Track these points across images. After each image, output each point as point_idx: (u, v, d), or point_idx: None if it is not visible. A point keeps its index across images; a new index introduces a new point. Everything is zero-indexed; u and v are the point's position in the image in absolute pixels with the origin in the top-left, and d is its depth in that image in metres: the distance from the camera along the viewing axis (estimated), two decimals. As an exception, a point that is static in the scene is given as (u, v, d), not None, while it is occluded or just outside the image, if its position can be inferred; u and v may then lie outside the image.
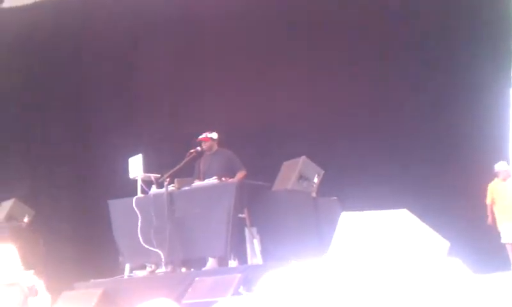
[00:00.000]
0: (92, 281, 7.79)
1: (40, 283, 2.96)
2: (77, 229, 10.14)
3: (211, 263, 7.65)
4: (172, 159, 8.35)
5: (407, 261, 3.89)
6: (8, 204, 9.54)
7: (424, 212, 5.07)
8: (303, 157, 8.36)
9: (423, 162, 9.54)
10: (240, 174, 8.07)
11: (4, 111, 10.67)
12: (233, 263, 7.38)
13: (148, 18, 10.47)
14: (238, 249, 7.43)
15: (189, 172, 8.29)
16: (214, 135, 8.40)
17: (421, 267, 3.91)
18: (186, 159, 8.15)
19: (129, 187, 8.16)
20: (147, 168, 8.11)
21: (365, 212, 4.55)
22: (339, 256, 4.37)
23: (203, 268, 7.59)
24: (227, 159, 8.26)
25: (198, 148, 8.22)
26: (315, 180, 8.29)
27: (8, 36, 10.70)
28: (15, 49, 10.73)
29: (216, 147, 8.39)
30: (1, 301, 2.53)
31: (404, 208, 5.26)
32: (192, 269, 7.77)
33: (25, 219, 9.53)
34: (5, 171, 10.34)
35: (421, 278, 3.80)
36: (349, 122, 10.00)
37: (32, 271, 3.33)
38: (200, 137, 8.32)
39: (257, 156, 9.57)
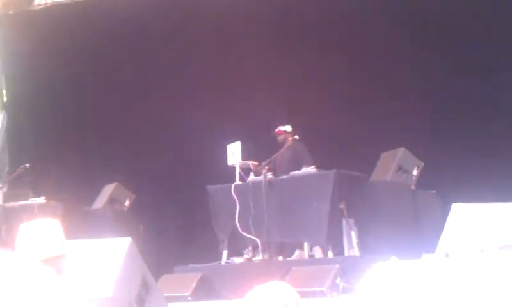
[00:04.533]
0: (191, 265, 7.97)
1: None
2: (177, 215, 10.36)
3: (298, 253, 7.68)
4: (270, 148, 8.43)
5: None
6: (110, 187, 9.85)
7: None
8: (402, 148, 8.24)
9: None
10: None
11: (109, 101, 11.01)
12: (329, 254, 7.37)
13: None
14: (335, 240, 7.41)
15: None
16: (288, 128, 8.38)
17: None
18: (284, 148, 8.22)
19: (227, 174, 8.26)
20: (245, 156, 8.19)
21: (478, 204, 4.41)
22: (450, 252, 4.24)
23: (290, 258, 7.62)
24: (295, 152, 8.24)
25: (296, 137, 8.25)
26: (415, 172, 8.15)
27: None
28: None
29: (289, 140, 8.34)
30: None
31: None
32: (288, 258, 7.79)
33: (126, 203, 9.83)
34: (108, 157, 10.69)
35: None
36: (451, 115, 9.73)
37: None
38: (276, 130, 8.33)
39: (352, 147, 9.47)
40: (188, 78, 10.81)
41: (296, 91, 10.28)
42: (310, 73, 10.35)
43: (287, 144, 8.33)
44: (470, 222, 4.54)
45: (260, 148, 8.63)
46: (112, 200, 9.76)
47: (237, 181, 8.05)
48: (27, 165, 9.46)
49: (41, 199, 8.83)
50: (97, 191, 9.98)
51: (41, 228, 3.13)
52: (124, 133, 10.94)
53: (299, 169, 7.89)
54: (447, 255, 4.65)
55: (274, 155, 8.17)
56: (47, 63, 11.28)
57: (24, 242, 3.08)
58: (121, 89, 10.92)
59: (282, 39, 10.45)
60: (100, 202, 9.74)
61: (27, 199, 8.97)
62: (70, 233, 3.94)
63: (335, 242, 7.30)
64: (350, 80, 10.08)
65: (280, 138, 8.38)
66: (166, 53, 10.95)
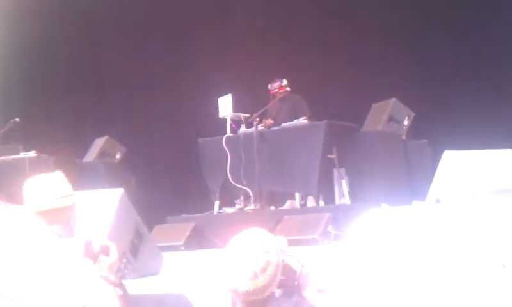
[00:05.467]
0: (184, 215, 8.02)
1: (112, 245, 3.03)
2: (168, 167, 10.38)
3: (289, 204, 7.73)
4: (260, 99, 8.41)
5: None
6: (101, 141, 9.82)
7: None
8: (393, 99, 8.24)
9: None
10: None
11: (101, 57, 10.90)
12: (320, 203, 7.43)
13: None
14: (326, 189, 7.46)
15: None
16: (284, 81, 8.32)
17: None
18: (275, 100, 8.20)
19: (219, 126, 8.26)
20: (236, 108, 8.17)
21: (469, 151, 4.42)
22: (441, 198, 4.26)
23: (281, 208, 7.68)
24: (294, 104, 8.22)
25: (288, 89, 8.23)
26: (405, 122, 8.17)
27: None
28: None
29: (286, 91, 8.30)
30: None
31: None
32: (280, 207, 7.85)
33: (117, 156, 9.82)
34: (99, 111, 10.64)
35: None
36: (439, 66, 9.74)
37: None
38: (274, 85, 8.24)
39: (344, 98, 9.48)
40: (179, 31, 10.72)
41: (287, 43, 10.24)
42: (300, 25, 10.30)
43: (282, 95, 8.27)
44: (460, 169, 4.57)
45: (252, 100, 8.61)
46: (103, 153, 9.74)
47: (228, 134, 8.06)
48: (17, 119, 9.40)
49: (32, 153, 8.79)
50: (88, 145, 9.96)
51: (46, 181, 3.10)
52: (115, 87, 10.87)
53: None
54: (437, 201, 4.69)
55: (266, 107, 8.15)
56: (37, 20, 11.13)
57: (29, 195, 3.07)
58: (112, 45, 10.81)
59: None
60: (91, 155, 9.72)
61: (17, 153, 8.93)
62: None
63: (326, 191, 7.36)
64: (340, 31, 10.04)
65: (279, 94, 8.29)
66: (157, 6, 10.83)
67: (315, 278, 2.74)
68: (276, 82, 8.26)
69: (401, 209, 4.13)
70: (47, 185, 3.07)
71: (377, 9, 10.00)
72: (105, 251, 2.97)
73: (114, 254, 2.97)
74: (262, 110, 8.08)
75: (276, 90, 8.23)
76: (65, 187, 3.13)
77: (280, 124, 7.91)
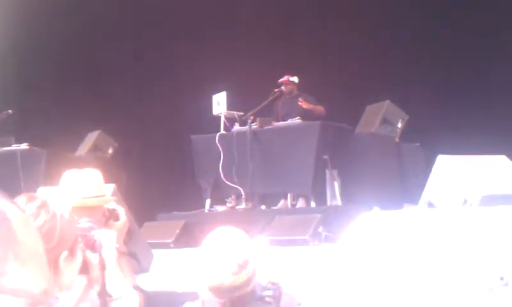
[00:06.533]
0: (175, 212, 7.99)
1: (120, 209, 3.02)
2: (161, 164, 10.34)
3: (283, 203, 7.71)
4: (256, 98, 8.38)
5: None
6: (93, 135, 9.78)
7: None
8: (388, 101, 8.25)
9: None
10: (318, 109, 7.96)
11: (95, 50, 10.86)
12: (312, 203, 7.41)
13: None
14: (319, 190, 7.44)
15: (271, 111, 8.30)
16: (295, 79, 8.28)
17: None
18: (270, 98, 8.17)
19: (212, 124, 8.24)
20: (230, 106, 8.15)
21: (463, 156, 4.42)
22: (433, 202, 4.25)
23: (274, 207, 7.66)
24: (309, 102, 8.18)
25: (282, 88, 8.18)
26: (399, 124, 8.17)
27: None
28: None
29: (295, 91, 8.28)
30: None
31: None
32: (272, 207, 7.83)
33: (110, 151, 9.78)
34: (92, 105, 10.58)
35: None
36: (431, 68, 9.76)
37: (114, 198, 3.43)
38: (281, 79, 8.23)
39: (338, 98, 9.47)
40: (175, 27, 10.68)
41: (282, 43, 10.23)
42: (295, 26, 10.30)
43: (293, 94, 8.18)
44: (454, 173, 4.56)
45: (247, 98, 8.58)
46: (95, 147, 9.71)
47: (222, 131, 8.04)
48: (10, 111, 9.34)
49: (24, 146, 8.75)
50: (81, 138, 9.92)
51: (82, 176, 3.12)
52: (109, 81, 10.83)
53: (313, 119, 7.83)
54: (430, 204, 4.68)
55: (260, 106, 8.11)
56: (32, 13, 11.07)
57: (66, 188, 3.09)
58: (107, 40, 10.77)
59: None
60: (83, 149, 9.69)
61: (9, 145, 8.89)
62: (53, 180, 3.91)
63: (318, 192, 7.34)
64: (335, 32, 10.04)
65: (287, 88, 8.23)
66: (153, 3, 10.80)
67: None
68: (286, 76, 8.21)
69: (394, 213, 4.12)
70: (83, 182, 3.11)
71: (372, 12, 10.00)
72: (115, 215, 3.00)
73: (122, 217, 3.00)
74: (257, 108, 8.05)
75: (283, 80, 8.14)
76: (100, 186, 3.17)
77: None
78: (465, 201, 4.32)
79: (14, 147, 8.79)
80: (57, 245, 2.01)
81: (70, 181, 3.12)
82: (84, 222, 2.78)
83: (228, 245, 2.48)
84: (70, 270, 2.07)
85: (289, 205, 7.74)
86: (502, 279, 3.22)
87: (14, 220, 0.98)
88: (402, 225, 3.72)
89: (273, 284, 2.64)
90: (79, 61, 10.99)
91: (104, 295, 2.46)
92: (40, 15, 10.83)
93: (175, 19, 10.63)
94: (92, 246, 2.55)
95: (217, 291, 2.45)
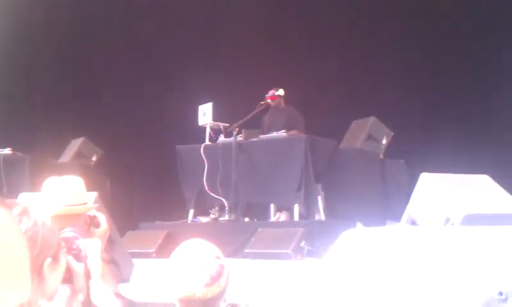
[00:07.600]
0: (157, 222, 7.96)
1: (101, 216, 3.00)
2: (145, 173, 10.31)
3: (278, 216, 7.69)
4: (242, 110, 8.38)
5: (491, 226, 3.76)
6: (77, 142, 9.72)
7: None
8: (373, 117, 8.27)
9: (502, 127, 9.20)
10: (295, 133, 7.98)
11: (82, 56, 10.83)
12: (295, 217, 7.40)
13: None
14: (302, 204, 7.43)
15: (257, 124, 8.31)
16: (281, 91, 8.28)
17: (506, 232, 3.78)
18: (256, 111, 8.17)
19: (198, 135, 8.22)
20: (216, 117, 8.14)
21: (446, 174, 4.44)
22: (416, 220, 4.27)
23: (268, 221, 7.65)
24: (290, 116, 8.20)
25: (269, 101, 8.19)
26: (384, 141, 8.20)
27: None
28: None
29: (282, 103, 8.29)
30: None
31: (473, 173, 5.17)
32: (255, 220, 7.82)
33: (94, 158, 9.72)
34: (77, 112, 10.54)
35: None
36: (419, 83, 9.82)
37: (96, 205, 3.41)
38: (267, 95, 8.22)
39: (327, 113, 9.50)
40: (163, 38, 10.68)
41: (269, 55, 10.24)
42: (282, 38, 10.33)
43: (280, 107, 8.20)
44: (437, 191, 4.57)
45: (232, 110, 8.59)
46: (79, 154, 9.64)
47: (207, 142, 8.02)
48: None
49: (7, 151, 8.68)
50: (65, 145, 9.86)
51: (64, 184, 3.09)
52: (95, 89, 10.79)
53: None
54: (412, 222, 4.70)
55: (246, 118, 8.11)
56: (19, 17, 11.03)
57: (47, 196, 3.05)
58: (96, 48, 10.76)
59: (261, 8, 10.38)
60: (66, 156, 9.62)
61: (-9, 150, 8.81)
62: (36, 186, 3.88)
63: (302, 205, 7.34)
64: (321, 46, 10.09)
65: (274, 102, 8.24)
66: (141, 14, 10.80)
67: None
68: (272, 89, 8.22)
69: (376, 231, 4.12)
70: (65, 190, 3.08)
71: (359, 28, 10.07)
72: (95, 222, 2.98)
73: (103, 224, 2.97)
74: (242, 120, 8.05)
75: (269, 96, 8.17)
76: (82, 194, 3.13)
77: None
78: (447, 220, 4.33)
79: (-4, 152, 8.73)
80: (41, 252, 1.99)
81: (52, 188, 3.09)
82: (67, 232, 2.75)
83: (201, 256, 2.44)
84: (54, 276, 2.05)
85: (272, 217, 7.73)
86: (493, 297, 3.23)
87: None
88: (385, 243, 3.73)
89: (232, 306, 2.59)
90: (65, 67, 10.95)
91: (88, 304, 2.44)
92: (28, 21, 10.79)
93: (163, 30, 10.63)
94: (77, 256, 2.53)
95: (187, 303, 2.41)
